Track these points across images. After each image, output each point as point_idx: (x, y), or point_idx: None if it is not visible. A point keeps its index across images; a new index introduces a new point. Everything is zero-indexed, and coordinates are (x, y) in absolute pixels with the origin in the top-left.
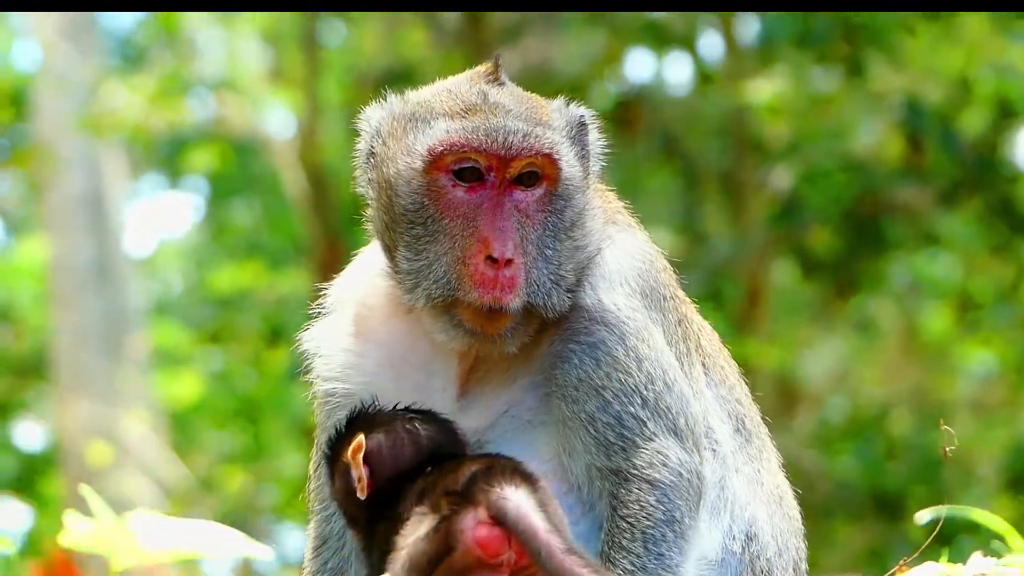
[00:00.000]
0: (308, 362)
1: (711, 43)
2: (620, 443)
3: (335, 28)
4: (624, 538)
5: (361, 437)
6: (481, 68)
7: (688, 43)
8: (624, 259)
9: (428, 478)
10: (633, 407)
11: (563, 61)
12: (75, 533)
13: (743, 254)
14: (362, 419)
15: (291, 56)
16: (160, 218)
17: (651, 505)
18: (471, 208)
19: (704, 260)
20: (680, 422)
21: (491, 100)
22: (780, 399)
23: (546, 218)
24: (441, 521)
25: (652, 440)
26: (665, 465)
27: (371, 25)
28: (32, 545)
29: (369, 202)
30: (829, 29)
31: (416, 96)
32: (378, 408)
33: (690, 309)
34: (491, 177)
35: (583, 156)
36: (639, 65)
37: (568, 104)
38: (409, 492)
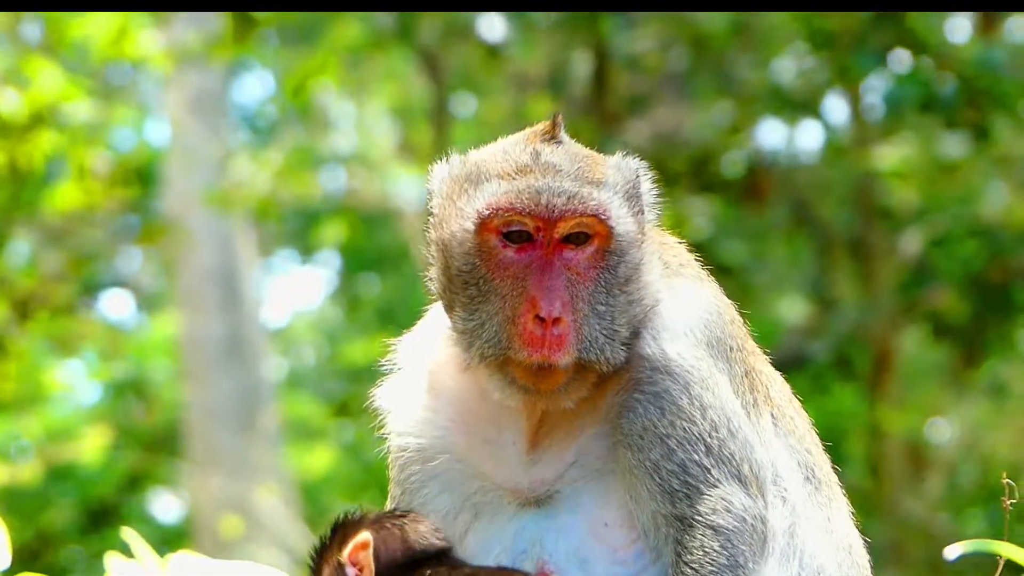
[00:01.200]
0: (382, 418)
1: (837, 109)
2: (684, 490)
3: (463, 99)
4: None
5: (367, 534)
6: (540, 126)
7: (813, 110)
8: (689, 310)
9: None
10: (697, 455)
11: (692, 130)
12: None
13: (873, 320)
14: (347, 523)
15: (420, 129)
16: (292, 292)
17: (715, 551)
18: (521, 268)
19: (834, 326)
20: (744, 468)
21: (542, 160)
22: (910, 463)
23: (598, 275)
24: None
25: (716, 487)
26: (728, 511)
27: (498, 96)
28: None
29: (430, 261)
30: (955, 95)
31: (475, 156)
32: (360, 513)
33: (760, 360)
34: (540, 237)
35: (638, 211)
36: (768, 133)
37: (624, 157)
38: None
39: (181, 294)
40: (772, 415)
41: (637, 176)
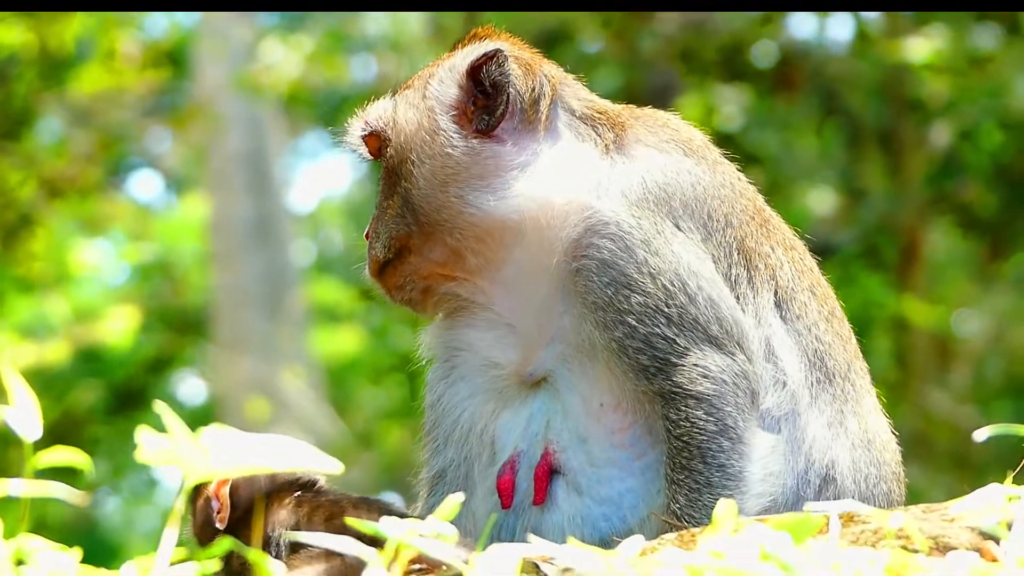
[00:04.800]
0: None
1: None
2: (656, 365)
3: None
4: (683, 457)
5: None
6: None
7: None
8: (634, 172)
9: (299, 510)
10: (659, 328)
11: (722, 20)
12: (148, 448)
13: (901, 211)
14: None
15: (452, 13)
16: (321, 176)
17: (702, 419)
18: None
19: (862, 217)
20: (712, 329)
21: None
22: (937, 356)
23: (382, 178)
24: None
25: (687, 355)
26: (706, 377)
27: None
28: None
29: None
30: None
31: None
32: None
33: (775, 245)
34: None
35: (437, 100)
36: (799, 24)
37: (473, 46)
38: (270, 519)
39: (210, 177)
40: (776, 296)
41: (469, 67)
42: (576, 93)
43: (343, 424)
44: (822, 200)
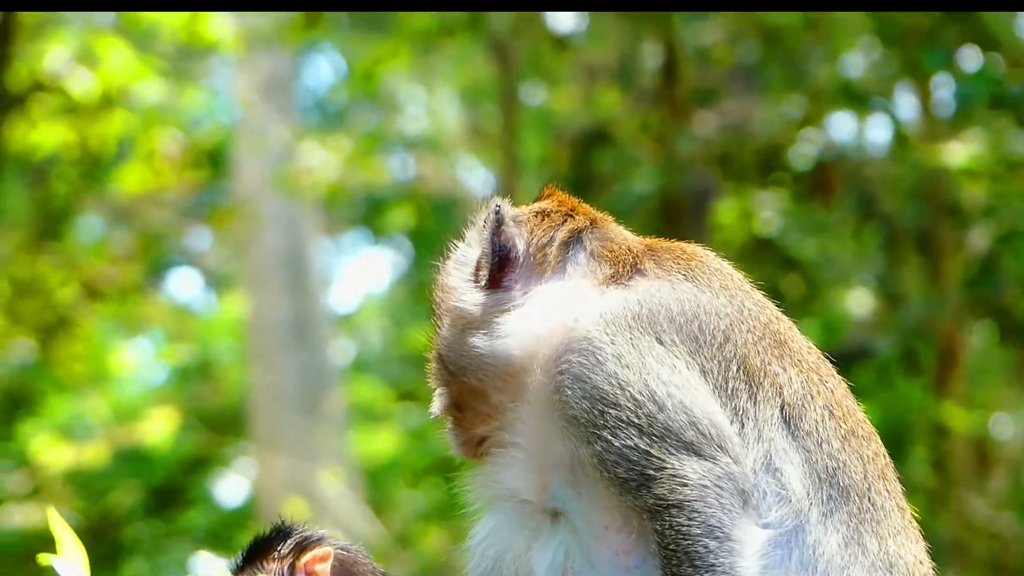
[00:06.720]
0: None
1: (906, 105)
2: (634, 479)
3: (533, 87)
4: (673, 565)
5: (330, 548)
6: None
7: (883, 105)
8: (624, 296)
9: None
10: (631, 440)
11: (761, 123)
12: None
13: (939, 316)
14: (309, 535)
15: (489, 114)
16: (361, 275)
17: (685, 525)
18: None
19: (900, 321)
20: (687, 435)
21: None
22: (975, 461)
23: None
24: None
25: (664, 466)
26: (685, 485)
27: (568, 85)
28: None
29: None
30: None
31: None
32: (324, 533)
33: (786, 364)
34: None
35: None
36: (837, 127)
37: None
38: None
39: (249, 275)
40: (783, 411)
41: (483, 226)
42: (604, 234)
43: (381, 525)
44: (860, 304)
